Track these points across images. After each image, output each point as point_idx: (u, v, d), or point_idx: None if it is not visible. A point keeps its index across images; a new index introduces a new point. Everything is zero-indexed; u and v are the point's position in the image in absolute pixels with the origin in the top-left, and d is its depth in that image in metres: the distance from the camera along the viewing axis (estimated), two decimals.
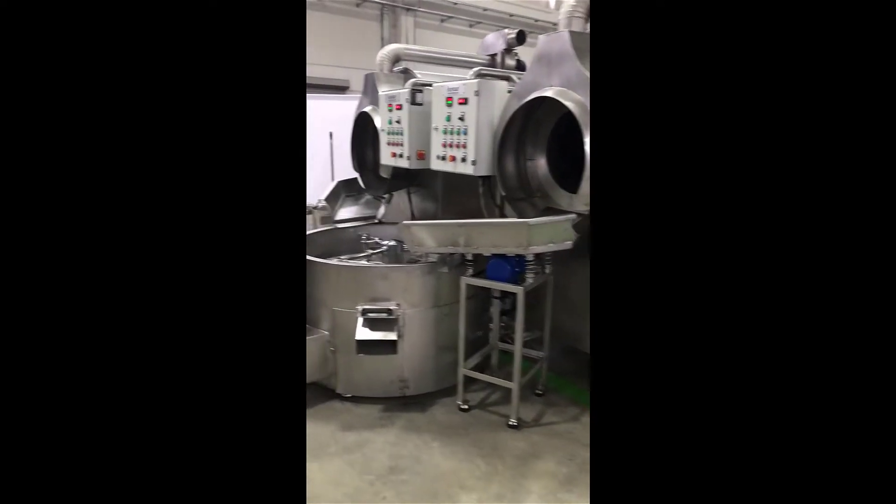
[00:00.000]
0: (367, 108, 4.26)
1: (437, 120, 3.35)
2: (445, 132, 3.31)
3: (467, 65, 4.58)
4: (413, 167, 3.69)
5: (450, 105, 3.24)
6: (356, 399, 3.18)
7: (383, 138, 3.93)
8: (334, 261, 3.40)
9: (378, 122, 4.10)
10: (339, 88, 9.66)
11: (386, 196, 4.40)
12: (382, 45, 10.69)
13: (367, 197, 4.53)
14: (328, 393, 3.21)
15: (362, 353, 2.94)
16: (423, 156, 3.69)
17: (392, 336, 2.91)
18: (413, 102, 3.61)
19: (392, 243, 3.62)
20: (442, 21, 10.99)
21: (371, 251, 3.70)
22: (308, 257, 3.24)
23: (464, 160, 3.19)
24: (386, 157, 3.92)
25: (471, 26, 11.23)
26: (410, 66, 4.35)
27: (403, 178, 4.27)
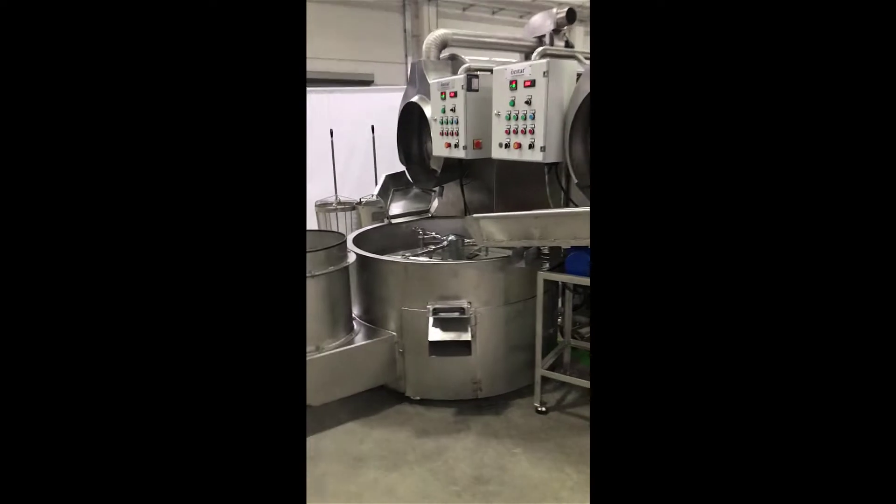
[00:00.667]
0: (414, 98, 4.08)
1: (500, 105, 3.17)
2: (509, 118, 3.12)
3: (514, 49, 4.38)
4: (470, 157, 3.52)
5: (514, 89, 3.05)
6: (426, 402, 3.03)
7: (435, 129, 3.76)
8: (398, 257, 3.24)
9: (428, 112, 3.92)
10: (364, 83, 9.51)
11: (436, 189, 4.23)
12: (405, 37, 10.59)
13: (416, 191, 4.36)
14: (397, 396, 3.06)
15: (434, 356, 2.78)
16: (480, 145, 3.51)
17: (466, 336, 2.74)
18: (469, 89, 3.43)
19: (452, 238, 3.44)
20: (464, 10, 10.74)
21: (432, 246, 3.52)
22: (372, 255, 3.09)
23: (531, 147, 3.00)
24: (439, 148, 3.75)
25: (493, 13, 10.97)
26: (457, 51, 4.15)
27: (454, 170, 4.10)
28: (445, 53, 4.17)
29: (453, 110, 3.53)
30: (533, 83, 2.93)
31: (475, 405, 3.00)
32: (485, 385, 2.98)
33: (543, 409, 2.92)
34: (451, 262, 2.95)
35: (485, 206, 4.10)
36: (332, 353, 2.80)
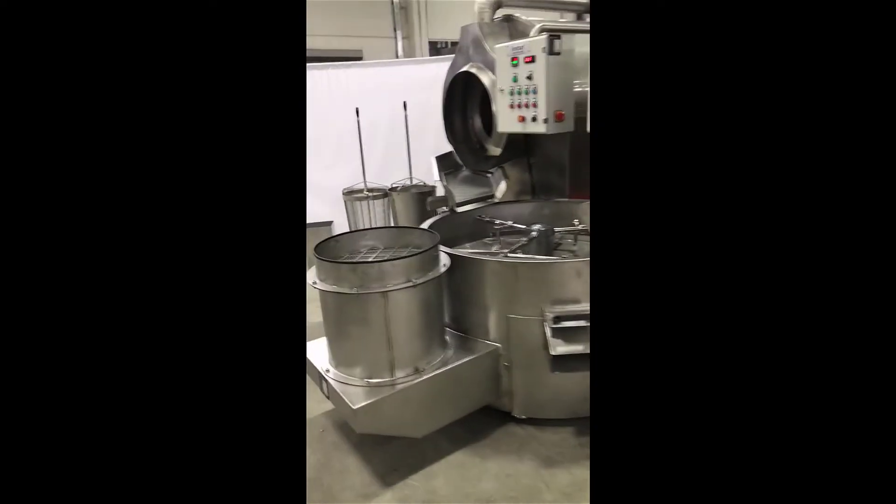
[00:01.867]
0: (468, 68, 3.57)
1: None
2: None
3: (572, 7, 3.90)
4: (551, 132, 3.05)
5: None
6: (535, 422, 2.61)
7: (502, 101, 3.26)
8: (501, 256, 2.78)
9: (487, 81, 3.43)
10: (352, 59, 8.94)
11: (492, 171, 3.75)
12: (393, 10, 9.89)
13: (465, 173, 3.86)
14: (501, 416, 2.63)
15: (558, 371, 2.36)
16: (563, 116, 3.05)
17: (583, 346, 2.32)
18: (552, 52, 2.95)
19: (540, 228, 2.97)
20: None
21: (521, 239, 3.02)
22: (467, 253, 2.64)
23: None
24: (508, 123, 3.26)
25: None
26: (513, 11, 3.64)
27: (516, 148, 3.63)
28: (499, 14, 3.67)
29: (530, 78, 3.04)
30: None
31: None
32: None
33: None
34: (572, 259, 2.50)
35: (555, 187, 3.65)
36: (434, 374, 2.35)
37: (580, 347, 2.31)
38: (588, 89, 2.90)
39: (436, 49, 10.45)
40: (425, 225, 3.19)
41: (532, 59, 3.02)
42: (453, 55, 3.81)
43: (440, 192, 3.97)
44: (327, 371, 2.41)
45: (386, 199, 4.71)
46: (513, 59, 3.14)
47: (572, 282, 2.40)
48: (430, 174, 4.24)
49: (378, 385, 2.28)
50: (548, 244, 2.97)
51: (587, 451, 2.42)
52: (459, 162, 3.93)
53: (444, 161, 3.90)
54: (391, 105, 5.02)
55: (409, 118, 4.88)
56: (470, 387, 2.49)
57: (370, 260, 2.39)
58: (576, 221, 3.15)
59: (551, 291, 2.41)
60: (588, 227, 3.09)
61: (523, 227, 3.17)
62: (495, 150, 3.71)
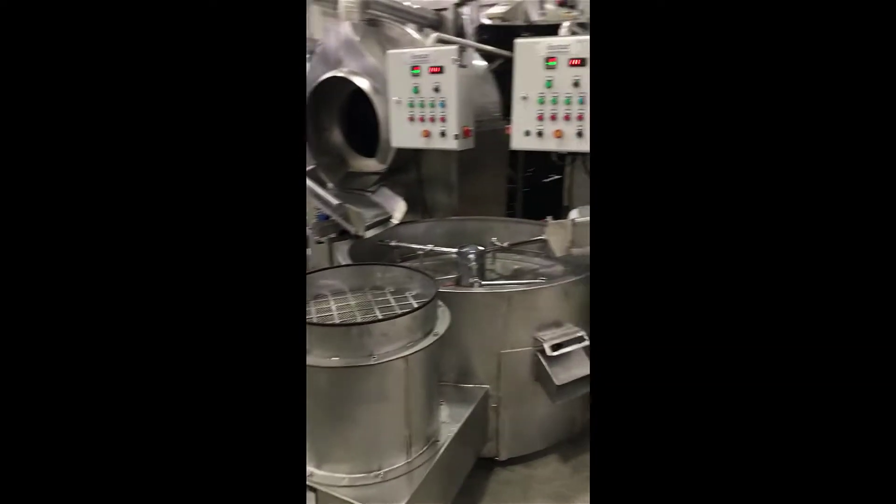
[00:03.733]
0: (343, 74, 3.10)
1: (526, 88, 2.64)
2: (542, 102, 2.64)
3: (420, 21, 3.76)
4: (461, 148, 2.88)
5: (552, 66, 2.58)
6: (519, 461, 2.42)
7: (399, 113, 2.94)
8: (475, 286, 2.45)
9: (368, 89, 3.05)
10: None
11: (372, 190, 3.33)
12: None
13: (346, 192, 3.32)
14: (484, 465, 2.35)
15: (559, 400, 2.23)
16: (469, 133, 2.91)
17: (587, 369, 2.28)
18: (462, 64, 2.78)
19: (471, 250, 2.73)
20: None
21: (465, 265, 2.66)
22: (455, 289, 2.28)
23: (579, 135, 2.61)
24: (406, 138, 2.96)
25: None
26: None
27: (404, 165, 3.31)
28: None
29: (437, 90, 2.82)
30: (583, 62, 2.54)
31: (573, 442, 2.54)
32: (578, 417, 2.55)
33: None
34: (558, 282, 2.33)
35: (442, 204, 3.46)
36: (449, 441, 1.94)
37: (581, 371, 2.23)
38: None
39: None
40: (343, 253, 2.66)
41: (440, 70, 2.80)
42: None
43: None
44: (311, 475, 1.76)
45: None
46: (414, 67, 2.85)
47: (560, 305, 2.30)
48: None
49: (395, 474, 1.77)
50: (481, 267, 2.79)
51: (583, 475, 2.36)
52: (323, 179, 3.39)
53: (311, 176, 3.30)
54: None
55: None
56: (473, 442, 2.16)
57: (380, 318, 1.83)
58: (494, 239, 3.04)
59: (539, 318, 2.27)
60: (508, 244, 3.02)
61: (445, 249, 2.90)
62: (377, 167, 3.32)
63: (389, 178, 3.41)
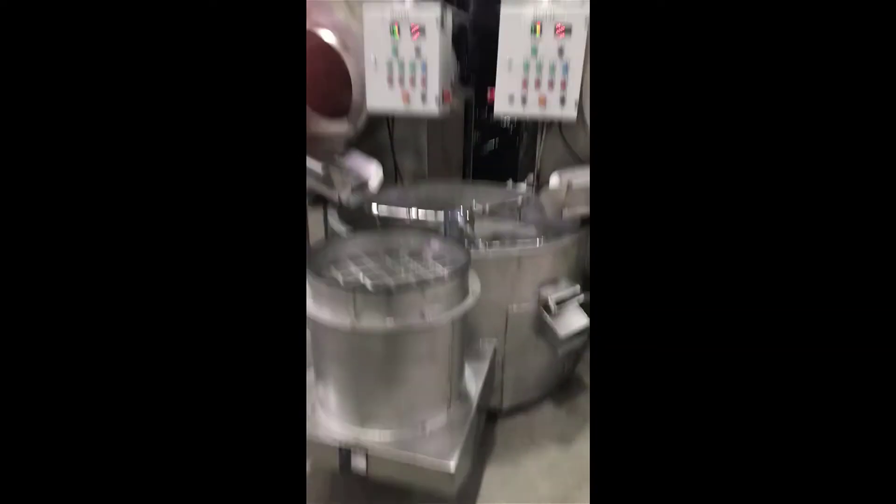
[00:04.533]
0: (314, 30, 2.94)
1: (511, 50, 2.69)
2: (527, 67, 2.71)
3: None
4: (442, 113, 2.89)
5: (535, 33, 2.65)
6: (517, 410, 2.59)
7: (374, 75, 2.88)
8: (481, 248, 2.49)
9: (335, 42, 2.93)
10: None
11: (342, 154, 3.23)
12: None
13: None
14: (488, 415, 2.48)
15: (561, 350, 2.40)
16: (448, 97, 2.93)
17: (584, 320, 2.46)
18: (444, 25, 2.76)
19: (455, 213, 2.78)
20: None
21: (438, 229, 2.70)
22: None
23: (563, 101, 2.73)
24: (383, 100, 2.90)
25: None
26: None
27: (374, 130, 3.23)
28: None
29: (418, 52, 2.79)
30: (568, 31, 2.63)
31: (563, 389, 2.75)
32: (567, 366, 2.76)
33: None
34: (554, 240, 2.44)
35: (411, 171, 3.44)
36: (480, 395, 2.04)
37: (579, 323, 2.41)
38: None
39: None
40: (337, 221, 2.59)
41: (420, 32, 2.76)
42: None
43: None
44: (356, 438, 1.77)
45: None
46: (393, 25, 2.78)
47: (559, 263, 2.45)
48: None
49: (437, 427, 1.84)
50: (460, 231, 2.85)
51: (579, 417, 2.59)
52: None
53: None
54: None
55: None
56: (487, 395, 2.27)
57: (427, 277, 1.84)
58: (474, 202, 3.10)
59: (542, 276, 2.41)
60: (486, 209, 3.11)
61: (427, 213, 2.92)
62: (346, 130, 3.21)
63: (355, 143, 3.33)
